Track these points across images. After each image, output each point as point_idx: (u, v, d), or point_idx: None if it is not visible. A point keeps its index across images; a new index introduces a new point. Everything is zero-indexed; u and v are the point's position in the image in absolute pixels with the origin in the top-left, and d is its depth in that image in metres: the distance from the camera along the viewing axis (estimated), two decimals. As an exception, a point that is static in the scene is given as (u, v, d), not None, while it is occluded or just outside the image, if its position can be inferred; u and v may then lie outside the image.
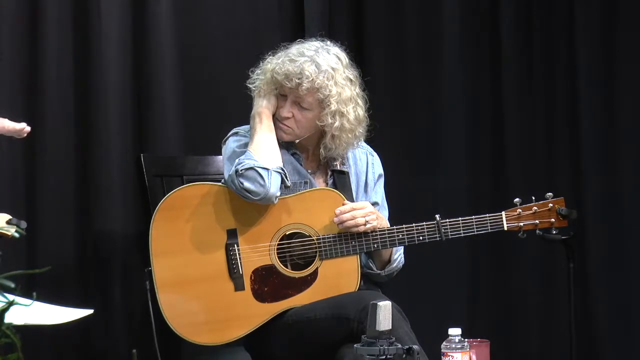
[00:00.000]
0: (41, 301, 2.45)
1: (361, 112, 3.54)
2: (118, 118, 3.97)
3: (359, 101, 3.54)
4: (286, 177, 3.45)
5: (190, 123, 4.15)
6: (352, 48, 3.62)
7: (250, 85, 3.57)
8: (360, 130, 3.54)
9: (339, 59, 3.51)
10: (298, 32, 4.25)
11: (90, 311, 2.61)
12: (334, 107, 3.46)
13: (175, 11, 4.11)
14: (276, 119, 3.52)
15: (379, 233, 3.48)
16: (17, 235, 2.83)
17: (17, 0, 3.80)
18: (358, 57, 3.68)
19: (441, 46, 4.63)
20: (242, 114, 3.63)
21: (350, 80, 3.52)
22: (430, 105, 4.63)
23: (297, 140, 3.54)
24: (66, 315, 2.55)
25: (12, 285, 2.41)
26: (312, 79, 3.44)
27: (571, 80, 4.64)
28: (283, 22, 4.44)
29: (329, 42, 3.55)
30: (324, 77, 3.45)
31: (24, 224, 2.90)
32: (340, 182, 3.58)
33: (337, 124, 3.47)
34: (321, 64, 3.46)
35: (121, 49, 3.98)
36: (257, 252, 3.45)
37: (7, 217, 2.85)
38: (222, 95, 4.18)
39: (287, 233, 3.47)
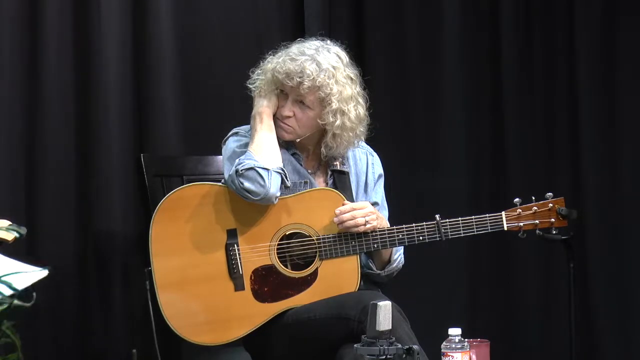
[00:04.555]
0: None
1: (362, 110, 3.54)
2: (118, 118, 3.97)
3: (360, 100, 3.54)
4: (286, 178, 3.45)
5: (190, 123, 4.15)
6: (352, 48, 3.62)
7: (251, 86, 3.57)
8: (361, 129, 3.55)
9: (340, 57, 3.51)
10: (298, 32, 4.25)
11: (45, 272, 2.62)
12: (335, 105, 3.46)
13: (175, 11, 4.12)
14: (277, 119, 3.52)
15: (378, 233, 3.48)
16: (17, 235, 2.84)
17: (18, 0, 3.80)
18: (358, 57, 3.68)
19: (441, 46, 4.63)
20: (242, 114, 3.63)
21: (351, 78, 3.52)
22: (430, 105, 4.64)
23: (298, 140, 3.55)
24: (23, 279, 2.55)
25: (12, 285, 2.42)
26: (313, 78, 3.44)
27: (571, 80, 4.65)
28: (283, 22, 4.45)
29: (329, 42, 3.55)
30: (324, 75, 3.45)
31: (24, 230, 2.90)
32: (340, 182, 3.59)
33: (338, 122, 3.48)
34: (322, 62, 3.46)
35: (121, 49, 3.98)
36: (257, 252, 3.45)
37: (7, 222, 2.84)
38: (222, 95, 4.19)
39: (287, 233, 3.47)
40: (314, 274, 3.47)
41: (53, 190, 3.84)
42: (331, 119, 3.48)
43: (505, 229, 3.55)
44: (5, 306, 2.45)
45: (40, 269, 2.63)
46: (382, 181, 3.68)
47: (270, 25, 4.39)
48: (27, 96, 3.81)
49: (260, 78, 3.54)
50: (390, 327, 2.80)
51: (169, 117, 4.09)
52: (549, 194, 3.58)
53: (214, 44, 4.25)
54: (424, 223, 3.49)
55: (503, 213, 3.54)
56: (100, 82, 3.92)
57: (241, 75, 3.62)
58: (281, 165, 3.44)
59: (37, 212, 3.81)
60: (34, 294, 2.65)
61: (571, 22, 4.64)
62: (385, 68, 4.60)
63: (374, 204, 3.60)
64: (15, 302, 2.49)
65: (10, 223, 2.86)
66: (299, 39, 3.59)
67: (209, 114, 4.18)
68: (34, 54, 3.82)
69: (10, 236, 2.81)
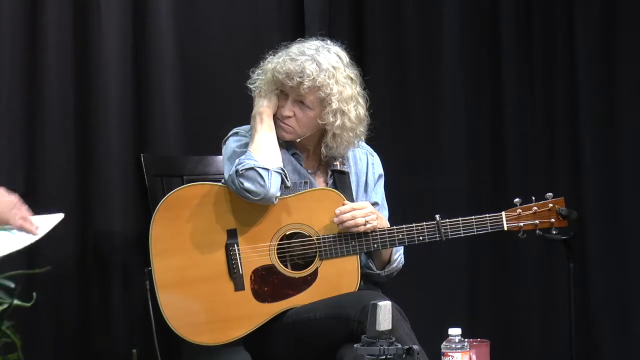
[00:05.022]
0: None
1: (362, 110, 3.54)
2: (118, 118, 3.97)
3: (360, 100, 3.54)
4: (286, 178, 3.45)
5: (190, 123, 4.15)
6: (352, 48, 3.62)
7: (251, 86, 3.57)
8: (361, 129, 3.55)
9: (340, 57, 3.52)
10: (298, 32, 4.25)
11: (61, 215, 2.64)
12: (335, 105, 3.47)
13: (175, 11, 4.12)
14: (277, 119, 3.52)
15: (379, 233, 3.48)
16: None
17: (18, 0, 3.80)
18: (358, 57, 3.68)
19: (441, 46, 4.63)
20: (242, 114, 3.63)
21: (351, 78, 3.52)
22: (430, 105, 4.64)
23: (298, 140, 3.55)
24: (41, 226, 2.58)
25: (12, 285, 2.42)
26: (314, 78, 3.44)
27: (571, 80, 4.65)
28: (283, 22, 4.44)
29: (329, 42, 3.55)
30: (325, 75, 3.45)
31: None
32: (341, 182, 3.58)
33: (338, 122, 3.48)
34: (322, 62, 3.46)
35: (121, 49, 3.98)
36: (257, 252, 3.45)
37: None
38: (222, 95, 4.18)
39: (287, 233, 3.47)
40: (314, 274, 3.47)
41: (53, 191, 3.84)
42: (331, 119, 3.48)
43: (506, 229, 3.55)
44: (5, 306, 2.46)
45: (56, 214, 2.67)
46: (382, 181, 3.68)
47: (270, 25, 4.38)
48: (27, 96, 3.81)
49: (260, 78, 3.54)
50: (390, 327, 2.80)
51: (169, 117, 4.09)
52: (549, 194, 3.58)
53: (214, 44, 4.24)
54: (424, 223, 3.49)
55: (503, 213, 3.54)
56: (100, 82, 3.92)
57: (241, 75, 3.62)
58: (281, 165, 3.44)
59: (37, 212, 3.80)
60: (34, 294, 2.66)
61: (571, 22, 4.64)
62: (385, 68, 4.59)
63: (374, 204, 3.60)
64: (15, 302, 2.49)
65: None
66: (299, 39, 3.59)
67: (209, 114, 4.18)
68: (34, 54, 3.82)
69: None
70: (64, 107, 3.88)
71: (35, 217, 2.72)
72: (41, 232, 2.66)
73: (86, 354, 3.89)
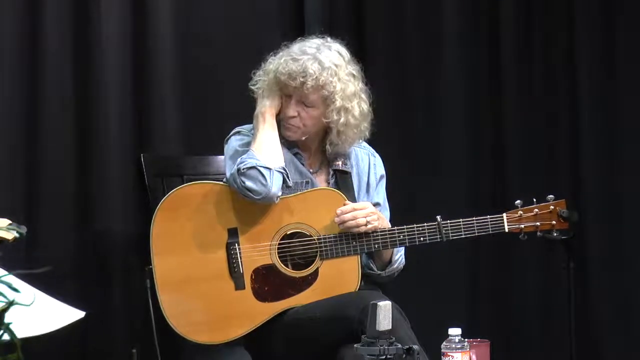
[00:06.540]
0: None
1: (365, 106, 3.54)
2: (118, 118, 3.96)
3: (363, 96, 3.54)
4: (288, 177, 3.44)
5: (190, 123, 4.15)
6: (352, 48, 3.62)
7: (253, 87, 3.56)
8: (365, 125, 3.55)
9: (341, 55, 3.52)
10: (298, 33, 4.23)
11: (82, 313, 2.61)
12: (338, 103, 3.47)
13: (175, 11, 4.11)
14: (281, 119, 3.52)
15: (379, 233, 3.48)
16: (17, 235, 2.83)
17: (17, 0, 3.80)
18: (358, 57, 3.68)
19: (441, 46, 4.63)
20: (242, 114, 3.63)
21: (353, 75, 3.52)
22: (430, 105, 4.63)
23: (303, 138, 3.55)
24: (57, 320, 2.55)
25: (12, 285, 2.42)
26: (316, 77, 3.44)
27: (571, 81, 4.64)
28: (283, 22, 4.44)
29: (329, 39, 3.55)
30: (327, 74, 3.45)
31: (24, 229, 2.89)
32: (342, 182, 3.58)
33: (342, 119, 3.48)
34: (324, 61, 3.46)
35: (121, 49, 3.98)
36: (258, 251, 3.45)
37: (7, 221, 2.84)
38: (222, 95, 4.18)
39: (288, 232, 3.47)
40: (315, 274, 3.47)
41: (53, 190, 3.84)
42: (335, 117, 3.48)
43: (507, 230, 3.54)
44: (5, 306, 2.45)
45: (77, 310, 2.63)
46: (384, 182, 3.68)
47: (271, 26, 4.38)
48: (27, 96, 3.81)
49: (262, 79, 3.54)
50: (390, 327, 2.80)
51: (169, 117, 4.09)
52: (550, 196, 3.58)
53: (214, 44, 4.24)
54: (425, 224, 3.49)
55: (504, 215, 3.54)
56: (100, 82, 3.92)
57: (241, 75, 3.62)
58: (283, 164, 3.44)
59: (37, 212, 3.81)
60: (34, 294, 2.64)
61: (571, 22, 4.64)
62: (385, 68, 4.59)
63: (376, 204, 3.60)
64: (15, 302, 2.49)
65: (10, 222, 2.85)
66: (299, 38, 3.59)
67: (209, 114, 4.17)
68: (34, 54, 3.82)
69: (10, 235, 2.80)
70: (64, 107, 3.88)
71: (56, 305, 2.68)
72: (56, 325, 2.62)
73: (86, 354, 3.89)
